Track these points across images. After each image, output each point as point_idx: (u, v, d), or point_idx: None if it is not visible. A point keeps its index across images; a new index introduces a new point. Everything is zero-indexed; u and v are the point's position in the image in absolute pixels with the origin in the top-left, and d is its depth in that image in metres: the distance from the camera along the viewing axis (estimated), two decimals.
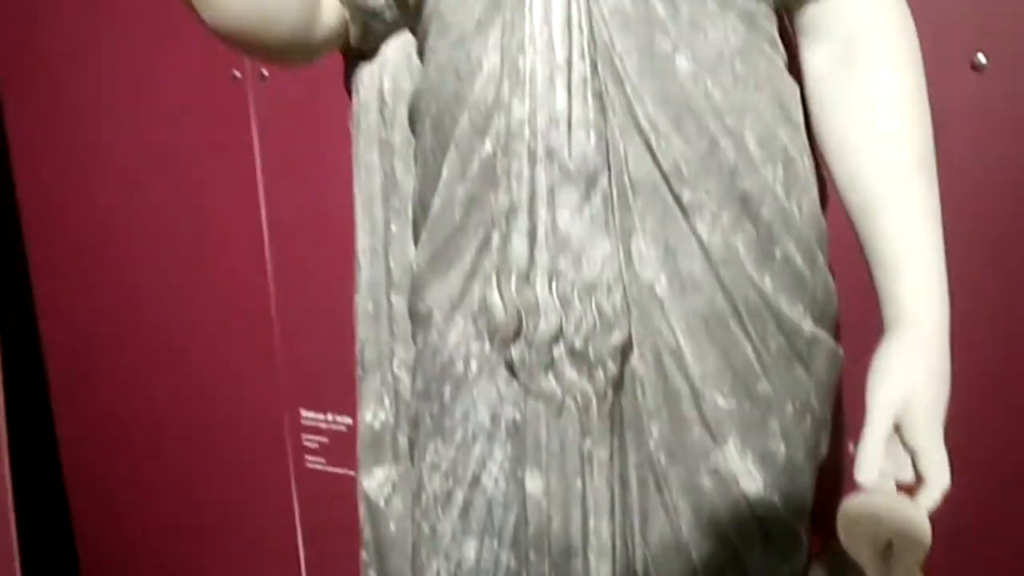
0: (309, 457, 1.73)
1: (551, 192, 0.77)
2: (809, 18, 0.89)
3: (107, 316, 1.89)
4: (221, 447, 1.83)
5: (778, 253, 0.84)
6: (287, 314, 1.70)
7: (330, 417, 1.70)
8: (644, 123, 0.79)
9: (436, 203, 0.87)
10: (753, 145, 0.82)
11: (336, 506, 1.71)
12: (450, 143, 0.85)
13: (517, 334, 0.80)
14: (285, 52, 0.94)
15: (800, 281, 0.86)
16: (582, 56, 0.77)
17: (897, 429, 0.86)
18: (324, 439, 1.71)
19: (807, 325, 0.86)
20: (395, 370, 1.05)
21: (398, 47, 0.99)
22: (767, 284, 0.83)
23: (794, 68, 0.92)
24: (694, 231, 0.81)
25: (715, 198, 0.81)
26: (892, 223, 0.86)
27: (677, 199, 0.80)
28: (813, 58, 0.90)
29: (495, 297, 0.80)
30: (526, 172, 0.78)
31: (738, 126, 0.81)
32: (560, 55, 0.77)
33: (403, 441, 1.06)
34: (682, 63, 0.80)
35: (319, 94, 1.55)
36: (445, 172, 0.85)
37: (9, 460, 1.81)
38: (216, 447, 1.83)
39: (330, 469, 1.72)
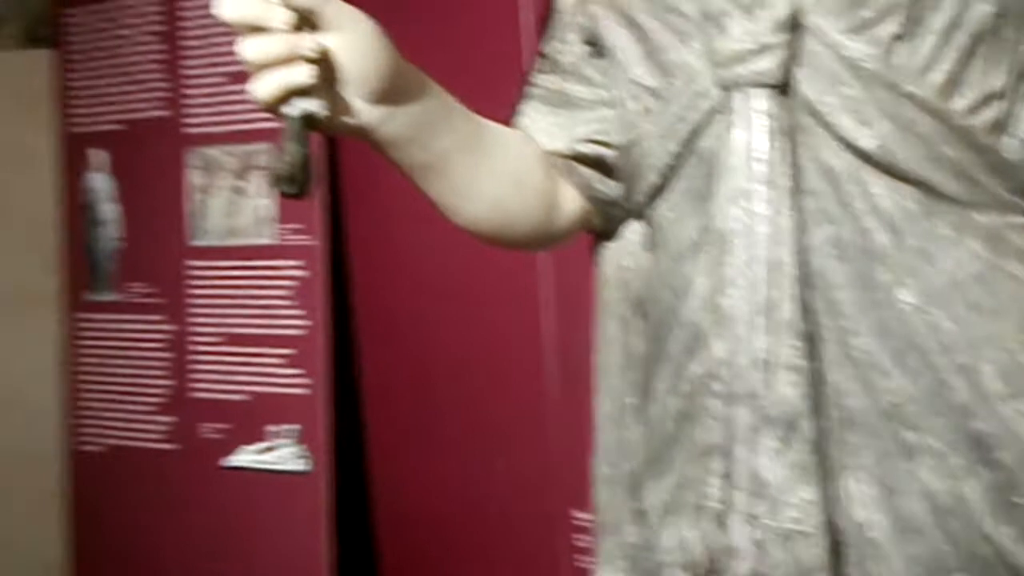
0: (578, 556, 1.74)
1: (750, 435, 0.73)
2: None
3: (411, 411, 2.03)
4: (493, 541, 1.89)
5: (1022, 501, 0.73)
6: (564, 416, 1.73)
7: None
8: (860, 358, 0.72)
9: (653, 409, 0.85)
10: (992, 381, 0.72)
11: None
12: (664, 355, 0.82)
13: (712, 572, 0.76)
14: (528, 245, 0.97)
15: None
16: (788, 298, 0.72)
17: None
18: (593, 540, 1.72)
19: None
20: (630, 537, 1.03)
21: (639, 228, 0.98)
22: (1005, 537, 0.73)
23: None
24: (916, 474, 0.72)
25: (942, 440, 0.72)
26: None
27: (896, 439, 0.73)
28: None
29: (689, 534, 0.76)
30: (724, 413, 0.74)
31: (973, 361, 0.72)
32: (763, 296, 0.72)
33: None
34: (905, 296, 0.72)
35: None
36: (660, 383, 0.83)
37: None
38: (488, 541, 1.90)
39: None
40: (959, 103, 0.73)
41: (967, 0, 0.72)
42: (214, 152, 2.22)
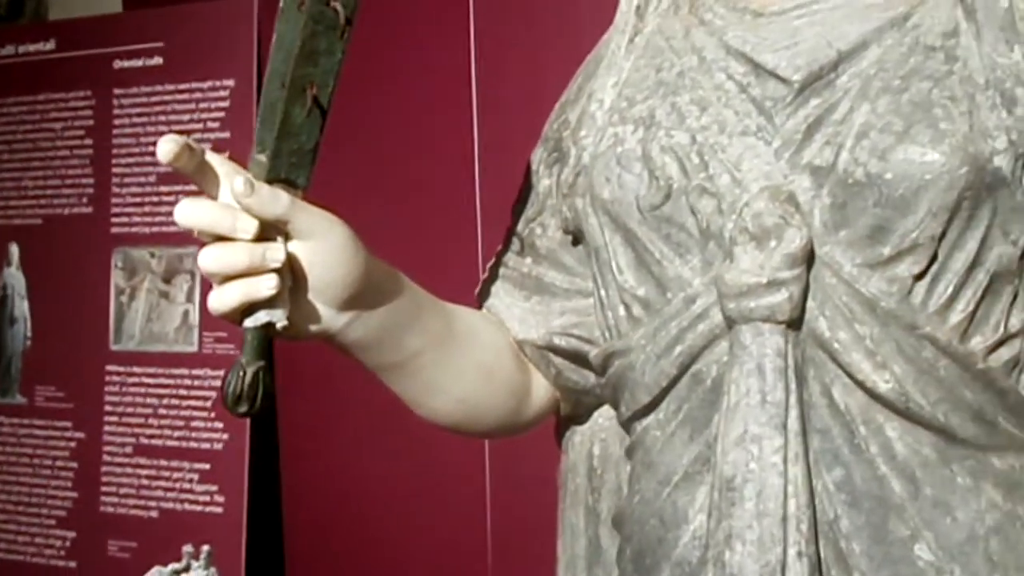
0: None
1: None
2: None
3: (334, 536, 1.89)
4: None
5: None
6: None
7: None
8: None
9: None
10: None
11: None
12: None
13: None
14: (493, 435, 0.88)
15: None
16: (800, 556, 0.64)
17: None
18: None
19: None
20: None
21: (611, 414, 0.90)
22: None
23: None
24: None
25: None
26: None
27: None
28: None
29: None
30: None
31: None
32: (774, 556, 0.64)
33: None
34: (922, 551, 0.65)
35: None
36: None
37: None
38: None
39: None
40: (977, 343, 0.68)
41: (989, 240, 0.67)
42: (140, 253, 2.08)
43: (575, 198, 0.80)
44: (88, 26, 2.17)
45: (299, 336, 0.70)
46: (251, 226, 0.64)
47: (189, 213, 0.63)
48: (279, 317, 0.66)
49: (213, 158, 0.65)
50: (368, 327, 0.72)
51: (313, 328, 0.70)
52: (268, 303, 0.65)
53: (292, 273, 0.67)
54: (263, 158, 0.65)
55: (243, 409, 0.65)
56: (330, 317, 0.70)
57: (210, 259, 0.64)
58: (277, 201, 0.64)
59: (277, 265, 0.65)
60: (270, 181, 0.65)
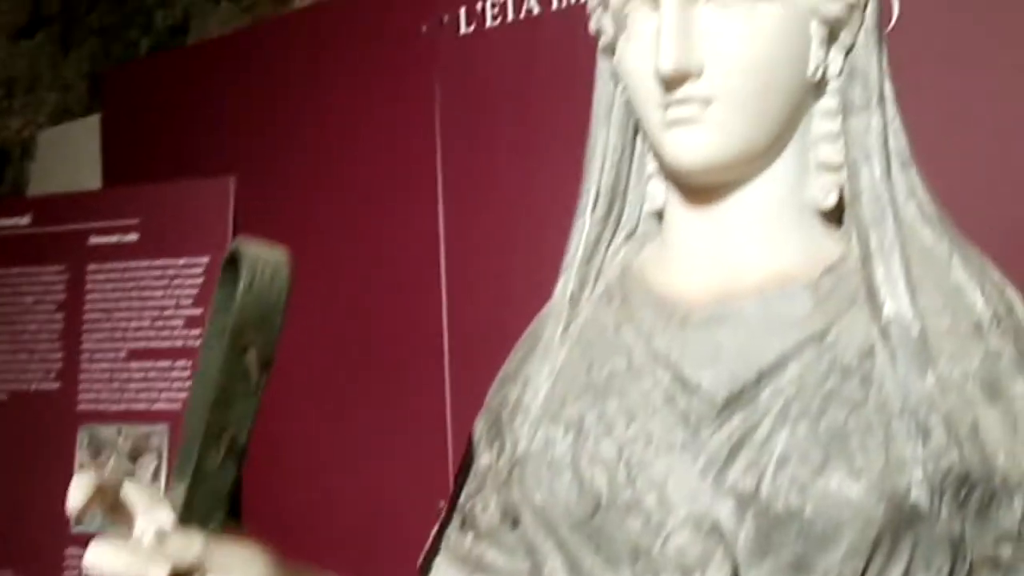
0: None
1: None
2: None
3: None
4: None
5: None
6: None
7: None
8: None
9: None
10: None
11: None
12: None
13: None
14: None
15: None
16: None
17: None
18: None
19: None
20: None
21: None
22: None
23: None
24: None
25: None
26: None
27: None
28: None
29: None
30: None
31: None
32: None
33: None
34: None
35: None
36: None
37: None
38: None
39: None
40: None
41: (912, 572, 0.67)
42: (107, 431, 2.03)
43: (511, 489, 0.80)
44: (65, 202, 2.18)
45: None
46: (163, 573, 0.64)
47: (100, 559, 0.63)
48: None
49: (129, 491, 0.65)
50: None
51: None
52: None
53: None
54: (181, 491, 0.66)
55: None
56: None
57: None
58: (189, 549, 0.65)
59: None
60: (185, 519, 0.66)
